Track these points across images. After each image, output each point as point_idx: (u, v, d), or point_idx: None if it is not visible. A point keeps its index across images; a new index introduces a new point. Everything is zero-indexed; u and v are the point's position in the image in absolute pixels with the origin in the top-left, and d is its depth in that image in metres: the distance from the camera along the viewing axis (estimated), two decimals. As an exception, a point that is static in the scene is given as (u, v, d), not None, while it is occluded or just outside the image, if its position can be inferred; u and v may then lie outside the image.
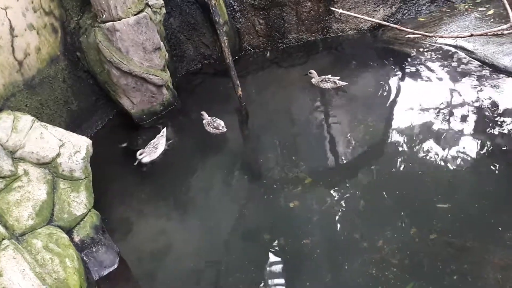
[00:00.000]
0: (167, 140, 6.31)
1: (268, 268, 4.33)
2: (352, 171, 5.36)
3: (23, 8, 5.50)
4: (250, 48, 8.79)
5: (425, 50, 7.61)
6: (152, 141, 6.17)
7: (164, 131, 6.36)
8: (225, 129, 6.35)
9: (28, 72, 5.62)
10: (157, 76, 6.53)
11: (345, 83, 7.03)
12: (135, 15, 6.12)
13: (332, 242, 4.45)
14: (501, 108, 5.82)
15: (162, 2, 6.76)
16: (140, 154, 5.89)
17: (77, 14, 6.46)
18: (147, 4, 6.37)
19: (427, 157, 5.27)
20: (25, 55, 5.55)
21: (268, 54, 8.61)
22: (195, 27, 8.16)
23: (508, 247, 4.01)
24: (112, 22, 6.02)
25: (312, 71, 7.27)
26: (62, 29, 6.26)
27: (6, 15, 5.24)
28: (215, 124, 6.38)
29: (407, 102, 6.37)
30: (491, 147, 5.24)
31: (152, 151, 6.05)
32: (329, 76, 7.12)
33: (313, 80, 7.26)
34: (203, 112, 6.58)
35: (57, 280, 3.87)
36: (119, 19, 6.03)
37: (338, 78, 7.07)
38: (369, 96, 6.73)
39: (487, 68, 6.65)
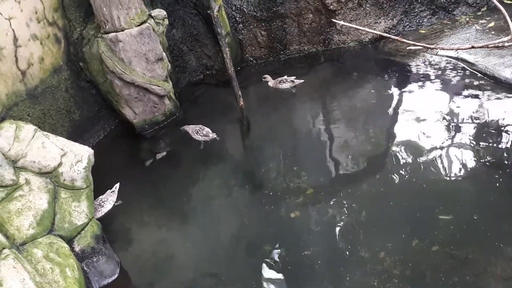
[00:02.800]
0: (117, 199, 5.49)
1: (268, 279, 4.30)
2: (354, 182, 5.36)
3: (27, 19, 5.55)
4: (252, 59, 8.83)
5: (426, 62, 7.64)
6: (100, 197, 5.33)
7: (116, 186, 5.55)
8: (215, 135, 6.38)
9: (31, 82, 5.65)
10: (159, 86, 6.56)
11: (302, 81, 7.54)
12: (138, 26, 6.17)
13: (333, 253, 4.43)
14: (502, 120, 5.82)
15: (165, 13, 6.81)
16: None
17: (80, 24, 6.51)
18: (150, 15, 6.42)
19: (429, 169, 5.26)
20: (28, 65, 5.59)
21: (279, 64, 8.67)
22: (198, 38, 8.21)
23: (511, 259, 3.99)
24: (115, 33, 6.06)
25: (266, 75, 7.68)
26: (65, 39, 6.30)
27: (10, 25, 5.28)
28: (204, 132, 6.41)
29: (408, 114, 6.37)
30: (493, 159, 5.23)
31: (97, 208, 5.17)
32: (285, 76, 7.56)
33: (270, 84, 7.65)
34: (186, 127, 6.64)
35: (57, 290, 3.86)
36: (122, 30, 6.07)
37: (294, 77, 7.53)
38: (370, 107, 6.74)
39: (488, 80, 6.67)
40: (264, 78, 7.72)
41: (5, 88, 5.22)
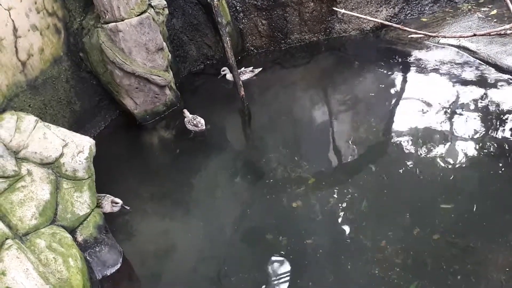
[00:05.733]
0: None
1: (270, 268, 4.33)
2: (355, 172, 5.36)
3: (27, 9, 5.51)
4: (252, 48, 8.79)
5: (428, 50, 7.61)
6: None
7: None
8: (204, 127, 6.40)
9: (31, 72, 5.63)
10: (160, 76, 6.54)
11: (260, 69, 7.70)
12: (138, 15, 6.13)
13: (334, 242, 4.45)
14: (504, 109, 5.81)
15: (165, 2, 6.77)
16: None
17: (80, 15, 6.47)
18: (150, 5, 6.38)
19: (431, 158, 5.26)
20: (28, 55, 5.57)
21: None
22: (198, 27, 8.17)
23: (512, 247, 4.01)
24: (115, 23, 6.02)
25: (225, 68, 7.67)
26: (65, 30, 6.27)
27: (10, 15, 5.24)
28: (194, 122, 6.43)
29: (410, 103, 6.36)
30: (494, 148, 5.23)
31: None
32: (243, 68, 7.64)
33: (228, 77, 7.67)
34: (185, 110, 6.62)
35: (60, 279, 3.88)
36: (122, 20, 6.04)
37: (252, 67, 7.67)
38: (372, 97, 6.73)
39: (490, 68, 6.64)
40: (223, 71, 7.69)
41: (6, 79, 5.21)
